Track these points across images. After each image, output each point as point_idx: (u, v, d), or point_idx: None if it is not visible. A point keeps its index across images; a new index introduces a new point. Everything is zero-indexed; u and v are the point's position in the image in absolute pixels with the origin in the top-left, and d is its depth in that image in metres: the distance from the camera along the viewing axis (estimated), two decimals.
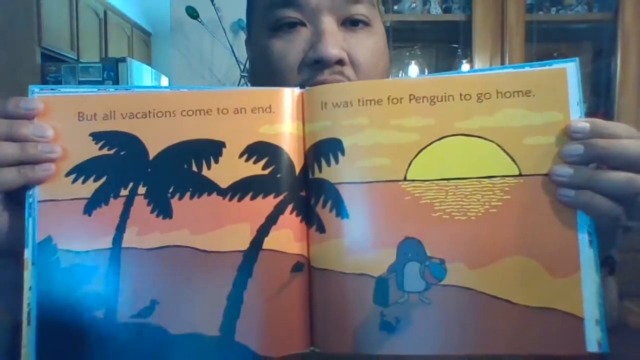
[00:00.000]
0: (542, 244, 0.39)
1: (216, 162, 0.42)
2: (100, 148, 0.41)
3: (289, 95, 0.43)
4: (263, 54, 0.57)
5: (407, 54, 2.03)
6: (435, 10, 1.89)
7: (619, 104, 1.78)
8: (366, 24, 0.57)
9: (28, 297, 0.40)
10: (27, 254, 0.40)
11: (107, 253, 0.41)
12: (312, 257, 0.42)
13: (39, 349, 0.39)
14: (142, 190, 0.41)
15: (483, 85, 0.41)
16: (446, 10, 1.90)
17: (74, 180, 0.41)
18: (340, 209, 0.41)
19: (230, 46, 2.08)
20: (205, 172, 0.42)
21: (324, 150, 0.42)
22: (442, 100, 0.41)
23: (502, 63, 1.77)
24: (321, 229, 0.42)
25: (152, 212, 0.41)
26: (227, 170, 0.42)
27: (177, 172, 0.42)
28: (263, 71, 0.58)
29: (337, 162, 0.42)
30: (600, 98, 1.93)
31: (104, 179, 0.41)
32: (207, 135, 0.42)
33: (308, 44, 0.54)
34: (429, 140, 0.41)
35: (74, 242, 0.41)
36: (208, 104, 0.42)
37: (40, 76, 2.96)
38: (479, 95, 0.41)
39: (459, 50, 1.94)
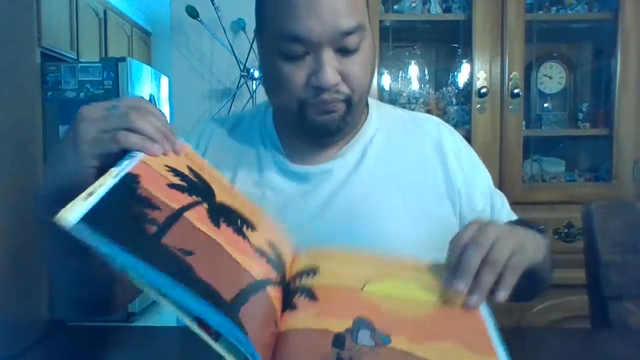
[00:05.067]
0: (464, 335, 0.53)
1: (253, 230, 0.59)
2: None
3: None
4: (274, 72, 0.74)
5: (407, 53, 2.03)
6: (435, 9, 1.89)
7: (619, 104, 1.78)
8: (357, 49, 0.72)
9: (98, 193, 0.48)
10: (116, 169, 0.51)
11: (173, 210, 0.51)
12: (282, 326, 0.51)
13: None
14: (205, 205, 0.56)
15: None
16: (446, 9, 1.89)
17: (170, 171, 0.57)
18: (311, 297, 0.55)
19: (230, 46, 2.07)
20: (244, 228, 0.58)
21: (302, 275, 0.59)
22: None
23: (502, 62, 1.77)
24: (293, 308, 0.54)
25: (207, 216, 0.54)
26: (256, 238, 0.58)
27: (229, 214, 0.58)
28: (274, 86, 0.77)
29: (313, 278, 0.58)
30: (600, 98, 1.93)
31: (185, 184, 0.57)
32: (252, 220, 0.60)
33: (311, 70, 0.72)
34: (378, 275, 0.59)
35: (150, 191, 0.51)
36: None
37: (40, 76, 2.95)
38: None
39: (459, 50, 1.94)
